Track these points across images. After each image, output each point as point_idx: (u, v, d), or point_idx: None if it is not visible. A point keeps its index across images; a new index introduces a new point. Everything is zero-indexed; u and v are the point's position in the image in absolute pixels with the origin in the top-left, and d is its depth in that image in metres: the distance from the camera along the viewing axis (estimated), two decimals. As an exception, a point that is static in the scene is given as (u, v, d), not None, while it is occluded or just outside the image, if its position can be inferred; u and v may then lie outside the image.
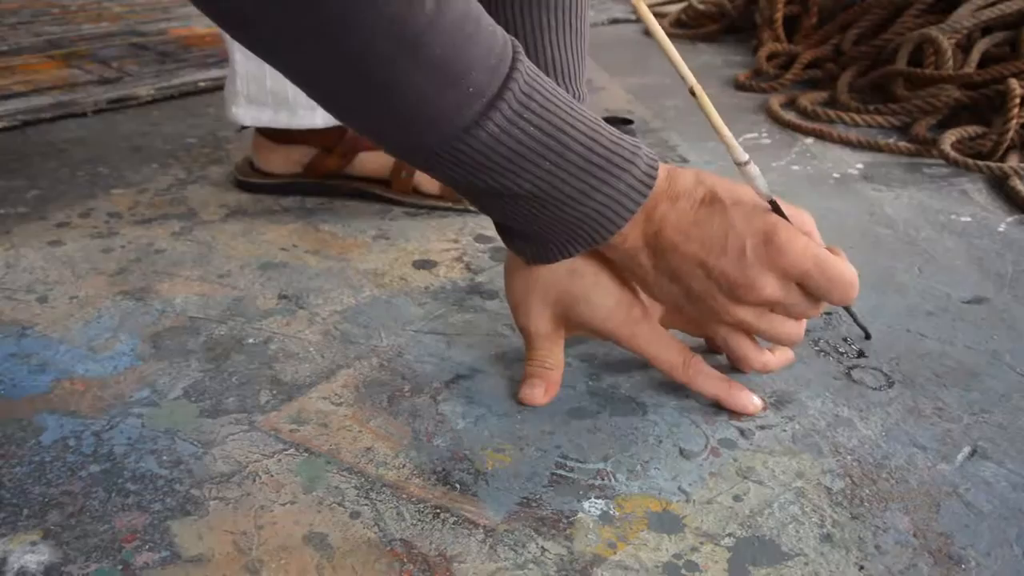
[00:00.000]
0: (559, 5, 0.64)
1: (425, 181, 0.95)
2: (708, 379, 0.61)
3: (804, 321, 0.58)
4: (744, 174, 0.56)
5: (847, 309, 0.67)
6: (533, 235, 0.57)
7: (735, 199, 0.55)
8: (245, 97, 0.94)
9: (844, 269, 0.54)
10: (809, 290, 0.55)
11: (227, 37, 0.86)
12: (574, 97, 0.65)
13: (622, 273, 0.60)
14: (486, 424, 0.60)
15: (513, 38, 0.51)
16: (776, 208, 0.56)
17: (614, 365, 0.67)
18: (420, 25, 0.45)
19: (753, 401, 0.61)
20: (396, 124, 0.49)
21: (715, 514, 0.53)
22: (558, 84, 0.64)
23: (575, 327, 0.62)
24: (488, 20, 0.49)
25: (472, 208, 0.86)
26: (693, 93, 0.53)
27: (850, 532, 0.52)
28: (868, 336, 0.71)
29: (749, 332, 0.60)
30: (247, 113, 0.95)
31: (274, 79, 0.91)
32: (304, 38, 0.45)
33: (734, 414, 0.62)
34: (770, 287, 0.54)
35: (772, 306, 0.56)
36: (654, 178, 0.54)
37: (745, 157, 0.55)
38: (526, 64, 0.50)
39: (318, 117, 0.93)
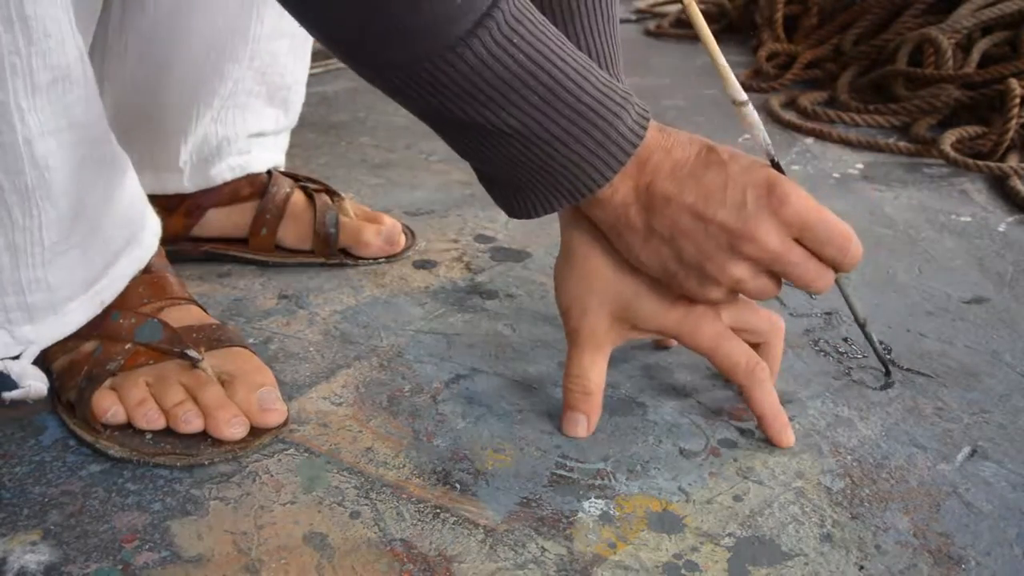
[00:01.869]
0: None
1: (289, 236, 0.81)
2: (766, 393, 0.58)
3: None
4: (741, 115, 0.54)
5: (867, 337, 0.65)
6: (514, 184, 0.54)
7: (732, 153, 0.53)
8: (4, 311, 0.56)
9: (842, 223, 0.53)
10: (808, 243, 0.53)
11: None
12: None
13: (614, 241, 0.57)
14: (486, 424, 0.60)
15: None
16: (775, 165, 0.54)
17: (614, 365, 0.67)
18: None
19: (788, 435, 0.58)
20: (376, 34, 0.45)
21: (715, 514, 0.53)
22: None
23: (632, 325, 0.59)
24: None
25: (343, 261, 0.81)
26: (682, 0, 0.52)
27: (850, 532, 0.52)
28: (888, 373, 0.66)
29: (741, 293, 0.56)
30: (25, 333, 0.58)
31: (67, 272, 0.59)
32: None
33: (734, 414, 0.62)
34: (773, 238, 0.52)
35: (768, 264, 0.53)
36: (645, 128, 0.52)
37: (743, 96, 0.53)
38: None
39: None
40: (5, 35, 0.49)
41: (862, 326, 0.64)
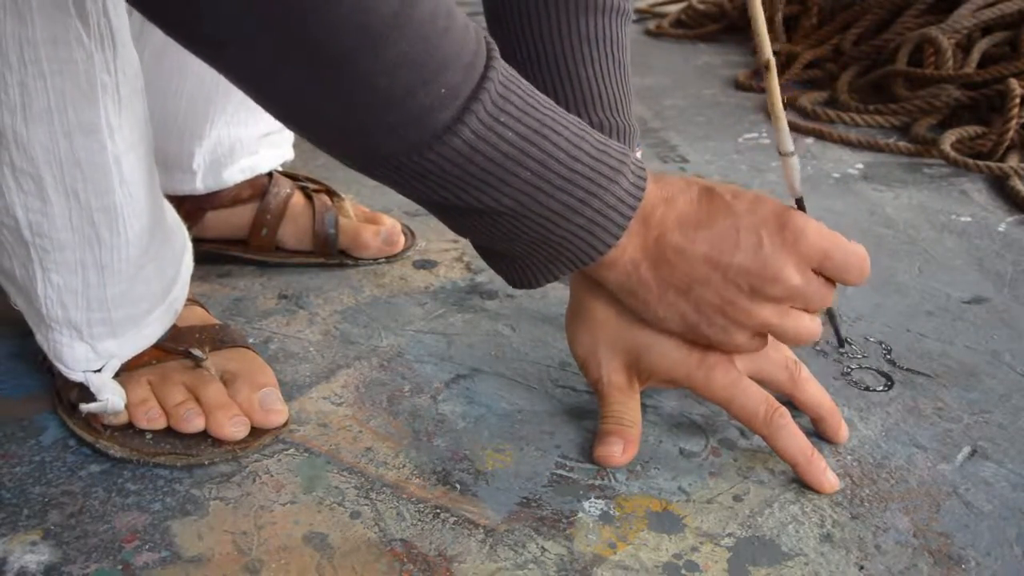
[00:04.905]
0: (599, 37, 0.60)
1: (288, 237, 0.81)
2: (792, 438, 0.55)
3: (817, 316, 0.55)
4: (786, 165, 0.54)
5: (829, 311, 0.66)
6: (512, 256, 0.52)
7: (733, 192, 0.52)
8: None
9: (856, 245, 0.52)
10: (827, 273, 0.52)
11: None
12: (624, 130, 0.62)
13: (626, 301, 0.55)
14: (486, 424, 0.60)
15: (487, 35, 0.46)
16: (800, 205, 0.54)
17: (614, 365, 0.67)
18: (386, 16, 0.40)
19: (830, 478, 0.55)
20: (358, 130, 0.44)
21: (715, 514, 0.53)
22: (604, 118, 0.60)
23: (647, 376, 0.58)
24: (462, 16, 0.44)
25: (343, 261, 0.81)
26: (767, 67, 0.52)
27: (850, 532, 0.52)
28: (842, 344, 0.69)
29: (771, 334, 0.54)
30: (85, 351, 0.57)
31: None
32: (259, 30, 0.40)
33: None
34: (795, 274, 0.51)
35: (792, 300, 0.52)
36: (643, 188, 0.50)
37: (791, 147, 0.52)
38: (501, 63, 0.45)
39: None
40: (97, 53, 0.48)
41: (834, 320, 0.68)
